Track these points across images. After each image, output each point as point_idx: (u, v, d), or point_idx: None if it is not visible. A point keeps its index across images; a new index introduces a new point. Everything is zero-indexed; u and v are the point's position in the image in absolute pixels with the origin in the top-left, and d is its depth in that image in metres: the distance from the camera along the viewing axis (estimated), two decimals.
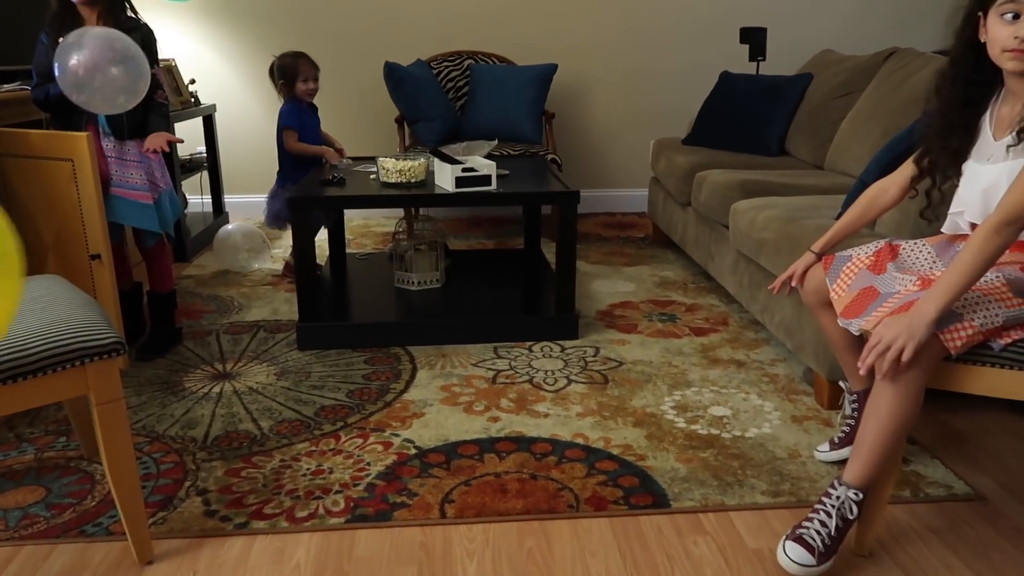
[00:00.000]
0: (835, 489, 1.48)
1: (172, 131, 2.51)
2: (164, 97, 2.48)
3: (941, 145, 1.61)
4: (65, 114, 2.32)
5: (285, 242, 3.87)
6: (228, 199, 4.26)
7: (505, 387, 2.29)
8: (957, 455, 1.92)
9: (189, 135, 3.89)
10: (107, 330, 1.46)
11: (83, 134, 2.13)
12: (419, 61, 4.03)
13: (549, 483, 1.80)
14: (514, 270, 3.23)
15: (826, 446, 1.90)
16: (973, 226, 1.55)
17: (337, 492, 1.77)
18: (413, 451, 1.94)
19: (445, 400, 2.21)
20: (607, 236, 4.04)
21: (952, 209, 1.63)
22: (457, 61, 4.16)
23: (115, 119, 2.34)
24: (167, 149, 2.41)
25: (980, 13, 1.47)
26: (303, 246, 2.53)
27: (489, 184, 2.59)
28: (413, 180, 2.65)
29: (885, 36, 4.16)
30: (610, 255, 3.68)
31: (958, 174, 1.61)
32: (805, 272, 1.80)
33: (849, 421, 1.85)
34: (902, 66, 3.05)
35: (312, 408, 2.17)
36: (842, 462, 1.81)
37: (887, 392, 1.42)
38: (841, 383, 1.92)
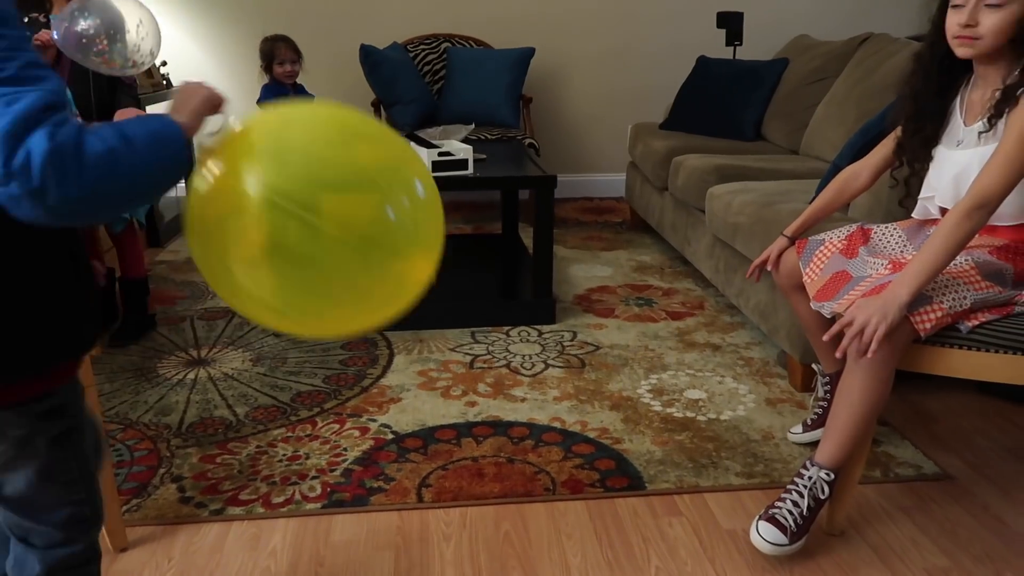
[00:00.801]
0: (807, 470, 1.50)
1: (143, 110, 2.47)
2: (131, 79, 2.44)
3: (913, 129, 1.63)
4: None
5: None
6: None
7: (482, 372, 2.29)
8: (926, 435, 1.96)
9: None
10: None
11: None
12: (395, 44, 3.99)
13: (526, 467, 1.81)
14: (492, 255, 3.22)
15: (799, 428, 1.92)
16: (943, 211, 1.57)
17: (314, 478, 1.76)
18: (390, 436, 1.94)
19: (422, 385, 2.21)
20: (585, 221, 4.04)
21: (922, 194, 1.65)
22: (434, 44, 4.12)
23: (83, 100, 2.29)
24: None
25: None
26: None
27: (466, 168, 2.58)
28: None
29: (860, 21, 4.18)
30: (588, 240, 3.68)
31: (928, 159, 1.63)
32: (779, 256, 1.82)
33: (822, 403, 1.88)
34: (876, 51, 3.07)
35: (288, 394, 2.15)
36: (815, 443, 1.83)
37: (858, 374, 1.44)
38: (814, 366, 1.94)
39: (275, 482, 1.75)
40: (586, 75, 4.38)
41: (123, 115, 2.51)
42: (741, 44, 3.95)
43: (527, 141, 3.64)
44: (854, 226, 1.73)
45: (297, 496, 1.70)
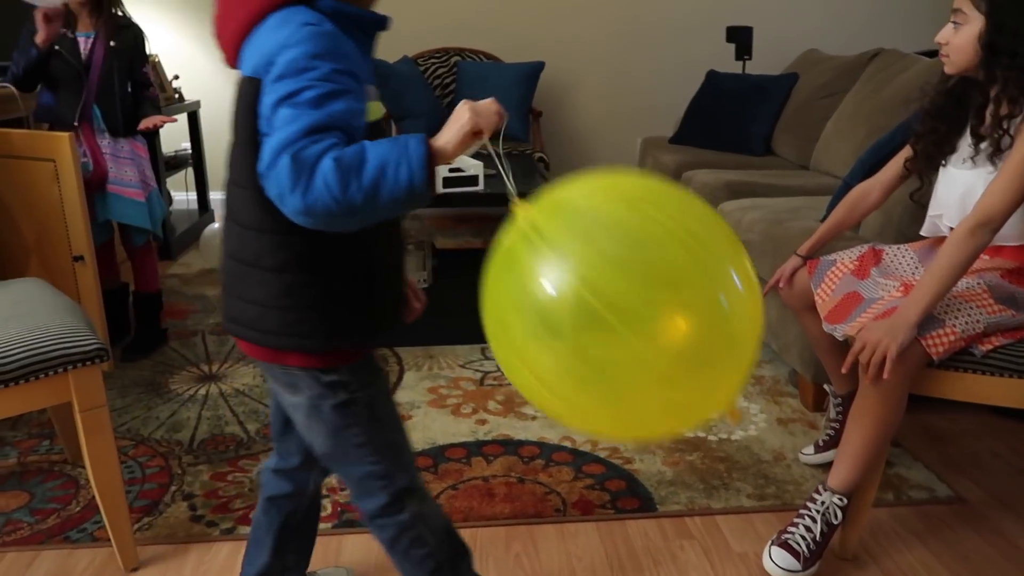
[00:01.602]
0: (820, 495, 1.49)
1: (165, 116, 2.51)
2: (155, 93, 2.49)
3: (927, 139, 1.63)
4: (57, 108, 2.31)
5: None
6: (214, 195, 4.23)
7: (493, 389, 2.29)
8: (939, 457, 1.94)
9: (173, 132, 3.86)
10: (90, 336, 1.44)
11: (65, 134, 2.11)
12: (405, 58, 4.02)
13: (536, 487, 1.80)
14: None
15: (811, 449, 1.91)
16: (952, 230, 1.56)
17: (324, 497, 1.76)
18: None
19: (432, 402, 2.21)
20: None
21: (931, 211, 1.65)
22: (444, 58, 4.15)
23: (110, 115, 2.34)
24: (161, 125, 2.44)
25: None
26: None
27: (476, 184, 2.59)
28: None
29: (870, 36, 4.18)
30: None
31: (935, 170, 1.63)
32: (792, 276, 1.81)
33: (834, 424, 1.87)
34: (886, 67, 3.07)
35: None
36: (827, 465, 1.83)
37: (871, 398, 1.43)
38: (826, 386, 1.93)
39: None
40: (595, 88, 4.39)
41: (149, 120, 2.59)
42: (751, 58, 3.95)
43: (537, 155, 3.65)
44: (866, 247, 1.72)
45: None
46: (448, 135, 0.96)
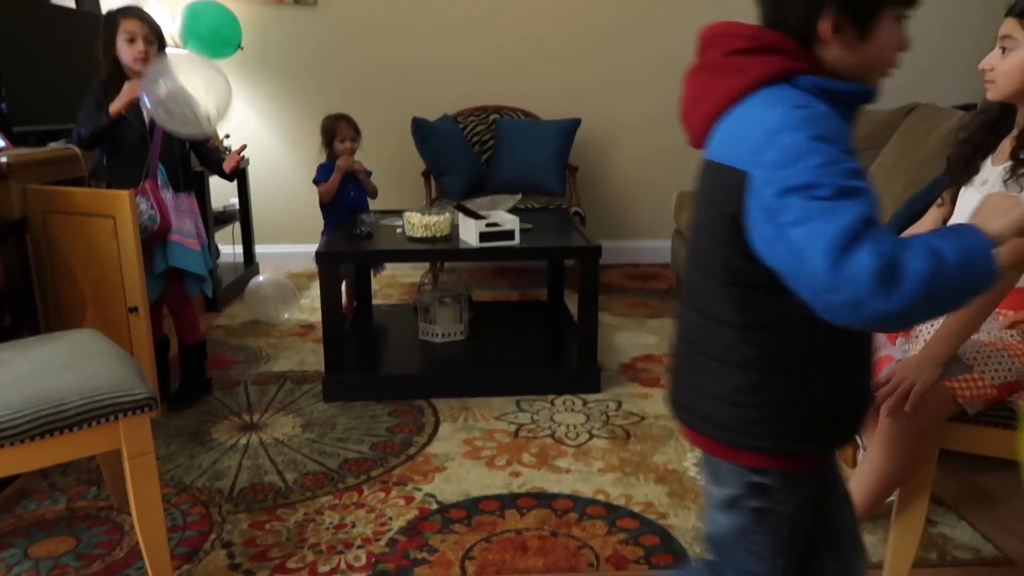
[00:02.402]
0: None
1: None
2: (215, 145, 2.65)
3: (956, 163, 1.64)
4: (120, 167, 2.45)
5: (314, 292, 3.94)
6: (259, 249, 4.37)
7: (527, 441, 2.30)
8: (985, 516, 1.89)
9: (222, 188, 4.02)
10: (140, 385, 1.51)
11: (126, 192, 2.22)
12: (445, 116, 4.14)
13: (570, 540, 1.80)
14: (537, 322, 3.26)
15: None
16: None
17: (359, 547, 1.78)
18: (435, 506, 1.95)
19: (467, 454, 2.22)
20: (630, 288, 4.06)
21: None
22: (483, 115, 4.26)
23: (173, 172, 2.51)
24: (241, 159, 2.63)
25: None
26: (330, 298, 2.58)
27: (512, 239, 2.64)
28: (438, 235, 2.71)
29: (906, 90, 4.18)
30: (633, 307, 3.69)
31: (957, 192, 1.63)
32: None
33: None
34: (923, 120, 3.07)
35: (336, 460, 2.19)
36: None
37: (888, 435, 1.43)
38: (858, 438, 1.91)
39: (321, 550, 1.77)
40: (631, 143, 4.46)
41: (227, 161, 2.74)
42: None
43: (573, 209, 3.71)
44: None
45: (343, 566, 1.72)
46: (1001, 224, 0.90)
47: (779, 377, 0.96)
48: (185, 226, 2.53)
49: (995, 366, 1.42)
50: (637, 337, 3.24)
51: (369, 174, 3.35)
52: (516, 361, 2.81)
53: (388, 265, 4.18)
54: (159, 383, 2.64)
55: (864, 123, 3.47)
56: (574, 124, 4.09)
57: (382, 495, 2.01)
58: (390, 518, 1.90)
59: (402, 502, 1.97)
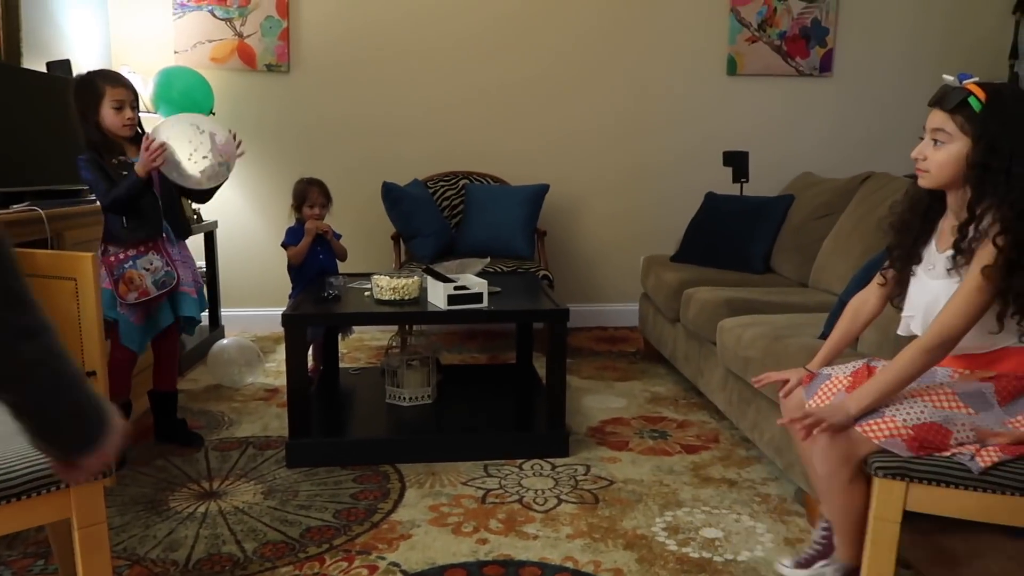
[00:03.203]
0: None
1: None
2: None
3: (897, 255, 1.71)
4: (142, 228, 2.52)
5: (280, 355, 3.89)
6: (225, 312, 4.32)
7: (495, 507, 2.26)
8: None
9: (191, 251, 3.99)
10: None
11: (88, 255, 2.20)
12: (416, 180, 4.19)
13: None
14: (506, 385, 3.24)
15: (789, 562, 1.85)
16: (915, 339, 1.61)
17: None
18: (399, 575, 1.90)
19: (433, 520, 2.18)
20: (599, 350, 4.08)
21: (904, 312, 1.72)
22: (452, 181, 4.33)
23: (175, 224, 2.62)
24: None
25: None
26: (295, 362, 2.55)
27: (481, 302, 2.65)
28: (407, 298, 2.71)
29: (860, 160, 4.36)
30: (602, 369, 3.70)
31: (907, 278, 1.71)
32: (793, 388, 1.83)
33: (817, 545, 1.83)
34: (878, 188, 3.18)
35: (298, 529, 2.13)
36: None
37: (822, 484, 1.64)
38: (820, 506, 1.90)
39: None
40: (599, 209, 4.55)
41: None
42: (747, 181, 4.11)
43: (541, 273, 3.74)
44: (860, 362, 1.75)
45: None
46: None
47: None
48: (187, 276, 2.62)
49: (907, 409, 1.52)
50: (606, 400, 3.24)
51: (338, 236, 3.35)
52: (484, 425, 2.78)
53: (356, 328, 4.15)
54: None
55: (821, 192, 3.59)
56: (543, 189, 4.17)
57: (344, 564, 1.95)
58: None
59: (365, 572, 1.91)
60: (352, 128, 4.37)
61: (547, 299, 2.86)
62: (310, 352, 3.21)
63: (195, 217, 4.00)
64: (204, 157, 2.59)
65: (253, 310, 4.41)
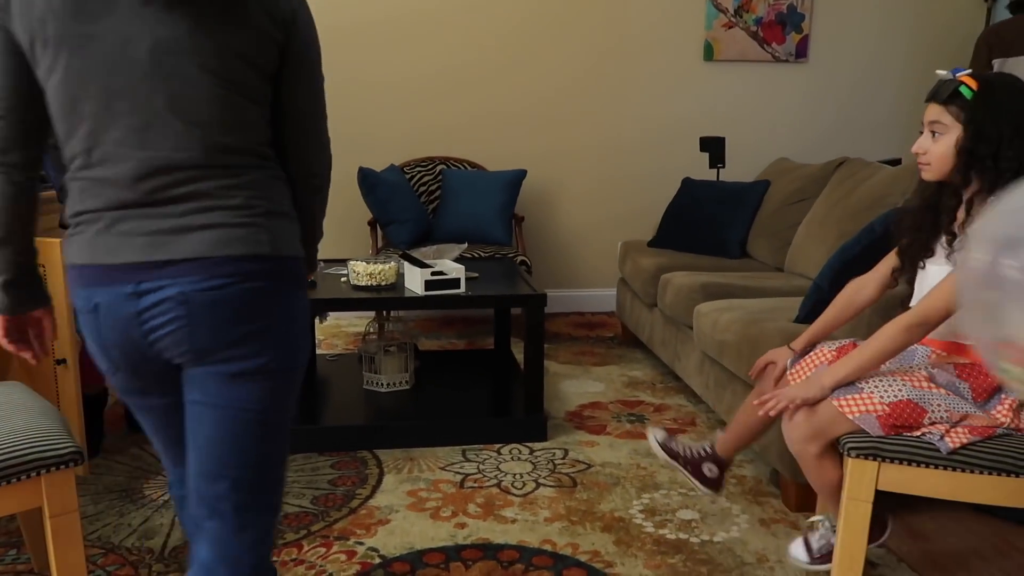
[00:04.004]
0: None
1: None
2: None
3: (911, 253, 1.70)
4: None
5: None
6: None
7: (473, 491, 2.27)
8: (921, 556, 1.92)
9: None
10: (65, 439, 1.44)
11: (56, 240, 2.16)
12: (392, 166, 4.16)
13: None
14: (484, 371, 3.24)
15: (802, 550, 1.82)
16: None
17: None
18: (377, 560, 1.90)
19: (411, 506, 2.18)
20: (577, 336, 4.09)
21: (912, 304, 1.71)
22: (430, 166, 4.30)
23: None
24: None
25: None
26: None
27: (458, 287, 2.64)
28: (383, 283, 2.70)
29: (834, 146, 4.39)
30: (579, 355, 3.71)
31: (916, 271, 1.71)
32: (780, 372, 1.82)
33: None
34: (852, 174, 3.21)
35: None
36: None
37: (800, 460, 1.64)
38: (823, 516, 1.87)
39: None
40: (576, 194, 4.55)
41: None
42: (724, 167, 4.13)
43: (519, 258, 3.74)
44: (847, 340, 1.76)
45: None
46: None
47: None
48: None
49: (885, 386, 1.53)
50: (583, 385, 3.25)
51: None
52: (462, 410, 2.78)
53: (332, 314, 4.13)
54: (91, 438, 2.53)
55: (796, 177, 3.62)
56: (520, 175, 4.15)
57: (323, 550, 1.94)
58: (331, 574, 1.84)
59: (343, 557, 1.91)
60: (327, 112, 4.31)
61: (525, 284, 2.85)
62: None
63: None
64: None
65: None
